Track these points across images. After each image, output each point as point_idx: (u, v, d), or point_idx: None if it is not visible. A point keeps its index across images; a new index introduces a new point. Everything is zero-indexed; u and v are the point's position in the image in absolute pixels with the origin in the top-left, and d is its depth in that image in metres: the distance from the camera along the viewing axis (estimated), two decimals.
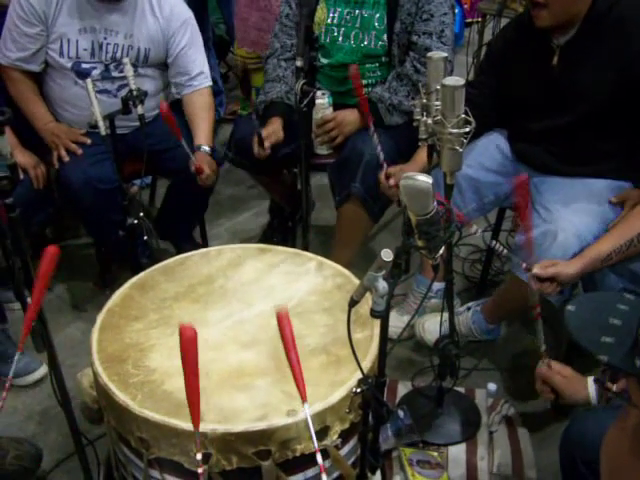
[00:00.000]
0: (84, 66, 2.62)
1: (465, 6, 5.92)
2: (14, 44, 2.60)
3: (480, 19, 4.46)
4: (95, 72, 2.63)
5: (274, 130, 2.58)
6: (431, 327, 2.64)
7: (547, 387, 2.02)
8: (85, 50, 2.60)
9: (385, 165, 2.34)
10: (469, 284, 3.05)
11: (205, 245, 3.10)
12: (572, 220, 2.20)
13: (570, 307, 1.12)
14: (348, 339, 1.36)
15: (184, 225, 3.10)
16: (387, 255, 1.18)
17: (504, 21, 3.79)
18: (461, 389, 2.42)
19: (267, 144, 2.51)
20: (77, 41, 2.59)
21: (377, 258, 1.20)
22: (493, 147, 2.56)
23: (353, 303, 1.31)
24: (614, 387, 1.64)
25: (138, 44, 2.64)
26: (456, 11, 5.41)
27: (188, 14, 2.75)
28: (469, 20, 5.82)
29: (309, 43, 1.98)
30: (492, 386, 2.33)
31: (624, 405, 1.12)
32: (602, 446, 1.16)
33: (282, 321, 1.44)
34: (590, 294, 1.17)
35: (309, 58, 2.00)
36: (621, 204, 2.27)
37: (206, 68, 2.83)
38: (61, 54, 2.60)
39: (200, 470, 1.42)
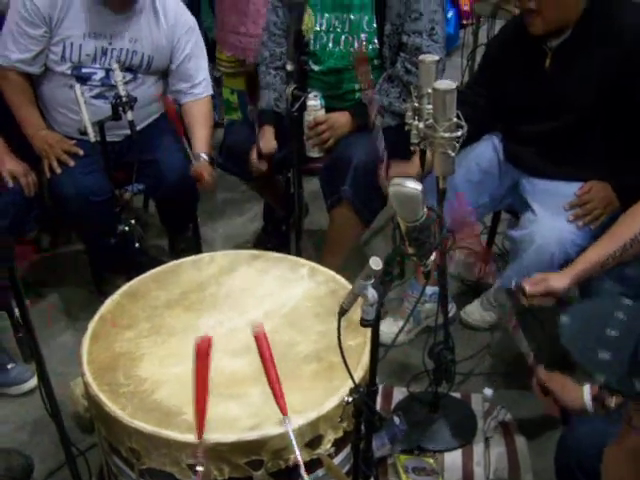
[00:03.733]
0: (84, 70, 2.60)
1: (465, 7, 5.89)
2: (16, 45, 2.57)
3: (474, 21, 4.45)
4: (95, 77, 2.62)
5: (266, 142, 2.58)
6: (473, 309, 2.77)
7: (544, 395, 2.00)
8: (88, 56, 2.58)
9: (386, 157, 2.31)
10: (465, 287, 3.03)
11: (199, 250, 3.09)
12: (554, 224, 2.20)
13: (565, 318, 1.08)
14: (339, 348, 1.34)
15: (175, 224, 3.13)
16: (376, 263, 1.16)
17: (499, 23, 3.78)
18: (457, 394, 2.41)
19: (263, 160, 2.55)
20: (80, 45, 2.56)
21: (366, 266, 1.18)
22: (490, 149, 2.55)
23: (343, 312, 1.29)
24: (612, 401, 1.62)
25: (142, 50, 2.63)
26: (450, 14, 5.48)
27: (192, 22, 2.74)
28: (465, 22, 5.80)
29: (299, 47, 1.97)
30: (488, 391, 2.31)
31: (623, 420, 1.09)
32: (603, 463, 1.14)
33: (260, 341, 1.43)
34: (586, 302, 1.12)
35: (299, 62, 1.98)
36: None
37: (208, 77, 2.83)
38: (63, 58, 2.58)
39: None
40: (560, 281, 1.98)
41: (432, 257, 1.36)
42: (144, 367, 1.77)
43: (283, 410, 1.48)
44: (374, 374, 1.43)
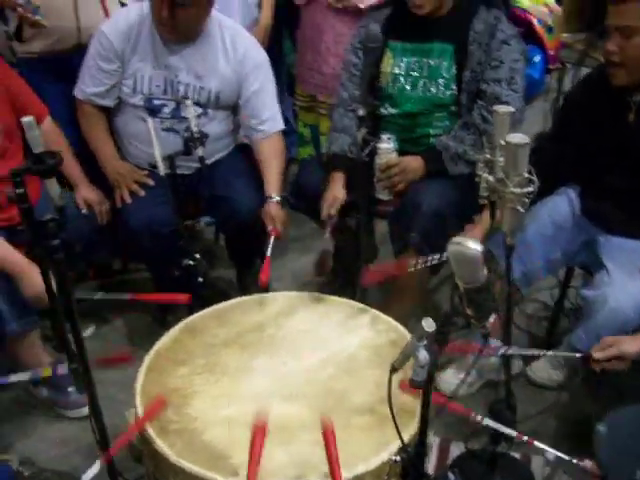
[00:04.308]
0: (155, 103, 2.65)
1: (550, 52, 5.80)
2: (91, 79, 2.67)
3: (561, 65, 4.37)
4: (166, 109, 2.66)
5: (335, 195, 2.57)
6: (540, 366, 2.67)
7: None
8: (158, 87, 2.64)
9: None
10: (534, 342, 2.93)
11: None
12: (629, 287, 2.11)
13: (602, 428, 0.99)
14: (389, 406, 1.30)
15: (243, 259, 3.13)
16: (428, 325, 1.12)
17: (584, 70, 3.69)
18: (517, 455, 2.31)
19: (333, 211, 2.54)
20: (150, 77, 2.63)
21: (418, 326, 1.14)
22: (565, 203, 2.47)
23: (394, 370, 1.26)
24: None
25: (209, 86, 2.65)
26: (537, 58, 5.39)
27: (262, 57, 2.75)
28: (552, 67, 5.70)
29: (372, 92, 1.95)
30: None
31: None
32: None
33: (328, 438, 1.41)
34: (627, 409, 1.02)
35: (372, 107, 1.97)
36: None
37: (277, 112, 2.81)
38: (134, 90, 2.65)
39: None
40: (632, 345, 1.90)
41: (491, 319, 1.30)
42: (195, 405, 1.77)
43: None
44: (424, 436, 1.38)
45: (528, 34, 5.53)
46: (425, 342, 1.17)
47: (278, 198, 2.63)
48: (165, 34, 2.57)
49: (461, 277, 1.23)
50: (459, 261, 1.21)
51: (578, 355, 1.93)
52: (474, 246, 1.19)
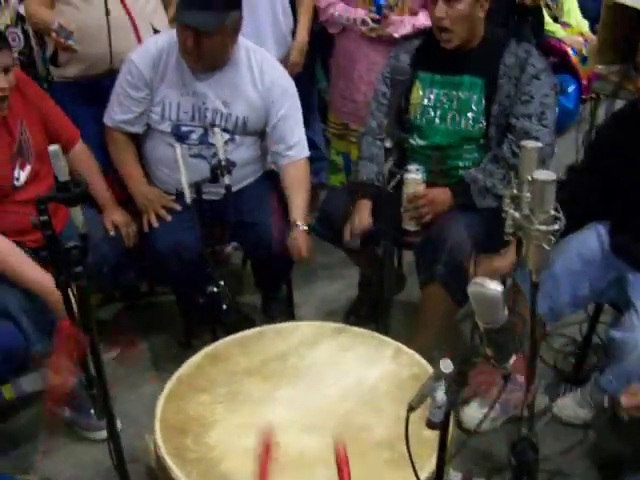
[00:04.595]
0: (183, 129, 2.67)
1: (584, 82, 5.76)
2: (120, 107, 2.70)
3: (594, 96, 4.33)
4: (193, 136, 2.67)
5: (361, 219, 2.58)
6: (565, 403, 2.61)
7: None
8: (186, 113, 2.65)
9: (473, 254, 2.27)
10: (560, 378, 2.88)
11: (291, 314, 3.10)
12: None
13: None
14: (406, 446, 1.28)
15: (269, 285, 3.14)
16: (446, 366, 1.11)
17: (619, 102, 3.66)
18: None
19: (356, 237, 2.55)
20: (179, 104, 2.65)
21: (436, 367, 1.13)
22: (594, 238, 2.43)
23: (411, 409, 1.24)
24: None
25: (237, 112, 2.66)
26: (571, 88, 5.35)
27: (289, 84, 2.76)
28: (585, 97, 5.66)
29: (399, 124, 1.95)
30: None
31: None
32: None
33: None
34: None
35: (399, 139, 1.96)
36: None
37: (304, 139, 2.82)
38: (162, 117, 2.67)
39: None
40: None
41: (512, 360, 1.28)
42: (214, 434, 1.76)
43: None
44: (441, 476, 1.36)
45: (562, 64, 5.50)
46: (443, 383, 1.15)
47: (305, 227, 2.63)
48: (191, 63, 2.59)
49: (481, 317, 1.22)
50: (479, 301, 1.19)
51: (606, 403, 1.89)
52: (494, 287, 1.17)
